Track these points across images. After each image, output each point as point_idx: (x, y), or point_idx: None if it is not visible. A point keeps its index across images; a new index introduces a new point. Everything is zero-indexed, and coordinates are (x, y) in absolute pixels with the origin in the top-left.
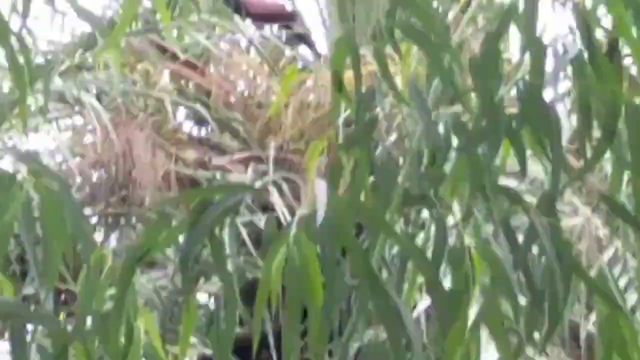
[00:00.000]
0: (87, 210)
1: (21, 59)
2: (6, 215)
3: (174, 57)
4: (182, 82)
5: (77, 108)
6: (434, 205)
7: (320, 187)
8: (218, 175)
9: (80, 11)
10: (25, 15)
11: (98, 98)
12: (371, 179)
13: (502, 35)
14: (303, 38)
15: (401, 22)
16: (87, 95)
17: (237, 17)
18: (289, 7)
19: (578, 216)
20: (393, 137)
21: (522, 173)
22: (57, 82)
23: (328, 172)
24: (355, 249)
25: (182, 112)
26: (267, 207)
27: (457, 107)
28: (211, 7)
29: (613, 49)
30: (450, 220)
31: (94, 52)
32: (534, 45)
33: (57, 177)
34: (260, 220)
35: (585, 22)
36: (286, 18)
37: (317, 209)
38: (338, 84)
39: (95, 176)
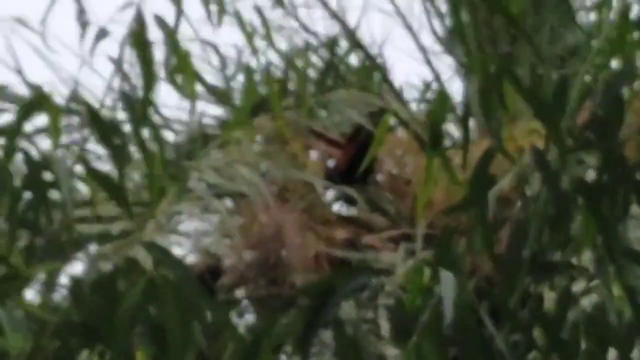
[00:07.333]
0: (238, 292)
1: None
2: (129, 300)
3: (320, 136)
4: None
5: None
6: (562, 272)
7: (446, 280)
8: (368, 255)
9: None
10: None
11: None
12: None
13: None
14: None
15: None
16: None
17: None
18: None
19: None
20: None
21: None
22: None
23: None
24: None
25: (330, 191)
26: None
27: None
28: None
29: None
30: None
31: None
32: None
33: (179, 266)
34: None
35: None
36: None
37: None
38: None
39: (245, 258)
